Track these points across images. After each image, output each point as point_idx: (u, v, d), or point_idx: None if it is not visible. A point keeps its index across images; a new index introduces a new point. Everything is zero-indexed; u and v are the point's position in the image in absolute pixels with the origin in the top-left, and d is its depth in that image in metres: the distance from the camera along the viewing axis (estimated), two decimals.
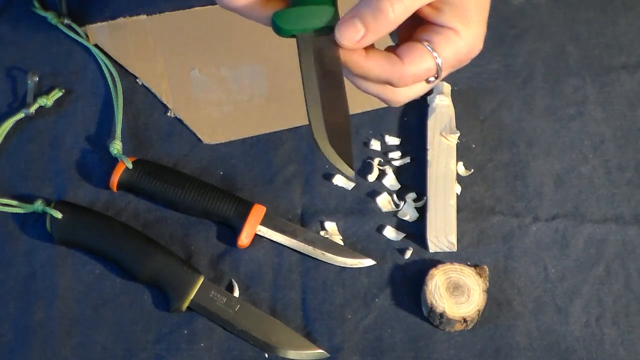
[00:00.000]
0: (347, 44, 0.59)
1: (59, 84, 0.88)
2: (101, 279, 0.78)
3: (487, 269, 0.77)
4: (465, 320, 0.74)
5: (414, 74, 0.61)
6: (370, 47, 0.62)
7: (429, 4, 0.60)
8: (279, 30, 0.60)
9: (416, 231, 0.81)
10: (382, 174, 0.84)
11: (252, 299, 0.78)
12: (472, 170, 0.84)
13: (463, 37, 0.61)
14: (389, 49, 0.63)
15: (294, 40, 0.61)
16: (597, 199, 0.83)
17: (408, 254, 0.80)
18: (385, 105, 0.67)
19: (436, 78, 0.62)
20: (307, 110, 0.59)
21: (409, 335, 0.76)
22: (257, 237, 0.80)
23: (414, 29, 0.63)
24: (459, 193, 0.83)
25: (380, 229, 0.81)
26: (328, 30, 0.60)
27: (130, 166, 0.81)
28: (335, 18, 0.60)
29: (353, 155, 0.59)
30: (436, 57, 0.61)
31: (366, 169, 0.84)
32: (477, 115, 0.87)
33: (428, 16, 0.61)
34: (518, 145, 0.86)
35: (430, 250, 0.80)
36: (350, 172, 0.58)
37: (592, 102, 0.88)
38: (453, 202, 0.81)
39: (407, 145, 0.86)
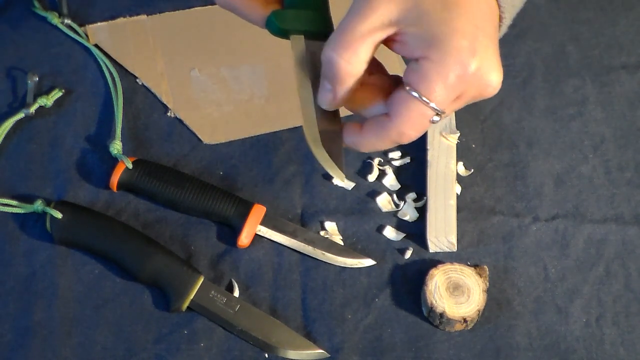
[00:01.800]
0: (327, 107, 0.59)
1: (59, 84, 0.88)
2: (101, 279, 0.78)
3: (487, 269, 0.77)
4: (465, 320, 0.74)
5: (411, 125, 0.56)
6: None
7: (392, 39, 0.56)
8: (273, 28, 0.61)
9: (416, 231, 0.81)
10: (382, 174, 0.84)
11: (252, 299, 0.78)
12: (472, 170, 0.84)
13: (437, 60, 0.54)
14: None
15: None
16: (597, 199, 0.83)
17: (408, 254, 0.80)
18: None
19: (441, 115, 0.56)
20: (302, 112, 0.59)
21: (409, 335, 0.76)
22: (257, 237, 0.80)
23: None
24: (459, 193, 0.83)
25: (380, 229, 0.81)
26: (321, 36, 0.60)
27: (130, 166, 0.81)
28: (327, 26, 0.61)
29: (344, 159, 0.59)
30: (419, 97, 0.55)
31: (366, 169, 0.84)
32: (477, 115, 0.87)
33: (398, 52, 0.56)
34: (518, 145, 0.86)
35: (430, 250, 0.80)
36: (341, 176, 0.59)
37: (592, 102, 0.88)
38: (453, 202, 0.81)
39: (407, 145, 0.85)
